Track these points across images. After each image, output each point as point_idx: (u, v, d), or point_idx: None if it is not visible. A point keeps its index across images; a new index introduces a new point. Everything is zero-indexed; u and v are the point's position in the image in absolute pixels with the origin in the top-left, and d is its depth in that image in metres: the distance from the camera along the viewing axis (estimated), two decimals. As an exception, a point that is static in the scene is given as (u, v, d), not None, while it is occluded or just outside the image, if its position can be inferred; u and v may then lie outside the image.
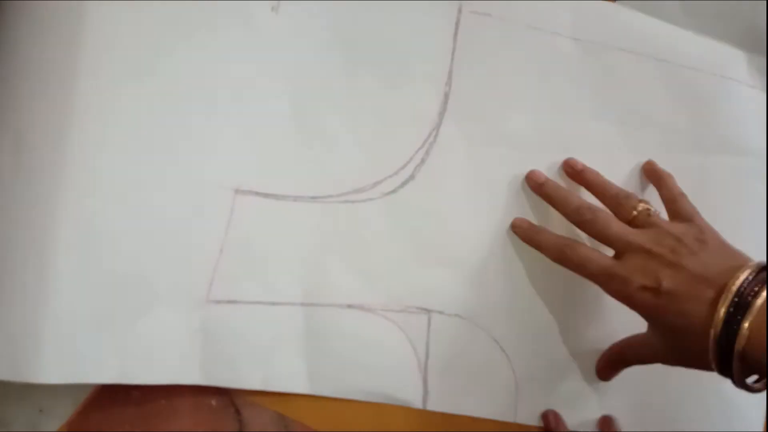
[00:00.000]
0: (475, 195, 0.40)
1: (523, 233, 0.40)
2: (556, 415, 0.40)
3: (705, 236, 0.35)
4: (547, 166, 0.42)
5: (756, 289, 0.30)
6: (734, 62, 0.45)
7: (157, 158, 0.36)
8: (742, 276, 0.30)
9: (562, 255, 0.38)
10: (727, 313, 0.30)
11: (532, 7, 0.42)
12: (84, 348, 0.33)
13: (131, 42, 0.36)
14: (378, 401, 0.38)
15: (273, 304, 0.37)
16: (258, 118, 0.38)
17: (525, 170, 0.41)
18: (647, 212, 0.37)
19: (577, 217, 0.38)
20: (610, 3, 0.43)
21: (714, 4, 0.44)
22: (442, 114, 0.40)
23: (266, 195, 0.38)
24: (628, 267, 0.34)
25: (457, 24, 0.41)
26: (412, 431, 0.39)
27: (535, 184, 0.41)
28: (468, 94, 0.41)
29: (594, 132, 0.43)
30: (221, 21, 0.37)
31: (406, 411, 0.39)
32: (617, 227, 0.36)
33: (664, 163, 0.43)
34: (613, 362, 0.40)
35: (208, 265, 0.36)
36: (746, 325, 0.29)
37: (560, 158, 0.42)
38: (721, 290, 0.31)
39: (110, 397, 0.35)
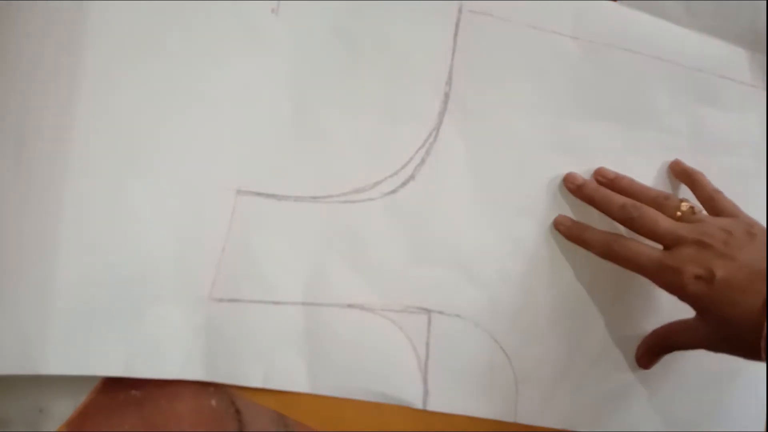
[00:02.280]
0: (475, 195, 0.40)
1: (567, 231, 0.40)
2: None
3: (754, 230, 0.35)
4: (546, 166, 0.42)
5: None
6: (735, 61, 0.45)
7: (159, 159, 0.36)
8: None
9: (609, 250, 0.38)
10: None
11: (533, 7, 0.42)
12: (89, 341, 0.34)
13: (132, 43, 0.36)
14: (378, 401, 0.38)
15: (274, 303, 0.37)
16: (259, 118, 0.38)
17: (525, 170, 0.41)
18: (691, 210, 0.37)
19: (624, 214, 0.38)
20: (611, 2, 0.43)
21: (715, 3, 0.44)
22: (442, 114, 0.40)
23: (267, 195, 0.38)
24: (681, 258, 0.35)
25: (457, 24, 0.41)
26: (412, 431, 0.39)
27: (574, 186, 0.41)
28: (468, 94, 0.41)
29: (594, 132, 0.43)
30: (221, 22, 0.37)
31: (406, 411, 0.39)
32: (666, 222, 0.37)
33: (664, 163, 0.43)
34: (653, 348, 0.41)
35: (210, 263, 0.37)
36: None
37: (560, 158, 0.42)
38: None
39: (110, 397, 0.35)
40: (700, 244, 0.34)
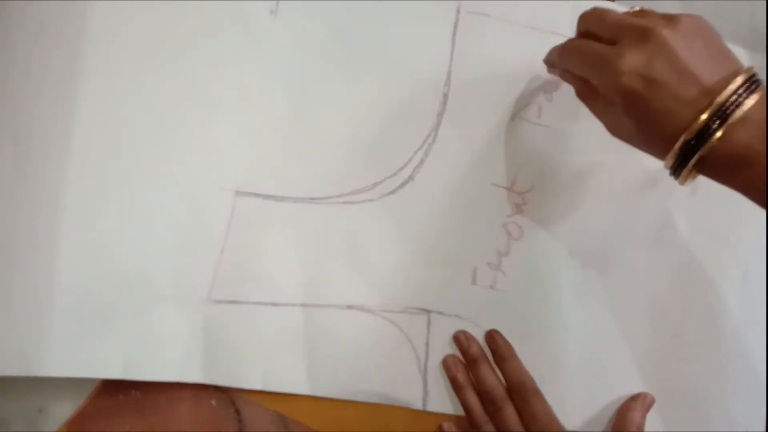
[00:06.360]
0: (473, 195, 0.40)
1: (549, 63, 0.37)
2: (466, 334, 0.40)
3: (703, 31, 0.32)
4: (545, 166, 0.41)
5: (740, 100, 0.28)
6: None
7: (158, 160, 0.36)
8: (732, 86, 0.29)
9: (563, 48, 0.35)
10: (706, 124, 0.29)
11: (531, 8, 0.42)
12: (88, 343, 0.34)
13: (132, 44, 0.36)
14: (378, 402, 0.38)
15: (273, 304, 0.38)
16: (258, 119, 0.38)
17: (524, 170, 0.41)
18: (642, 9, 0.34)
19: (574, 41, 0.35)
20: (610, 2, 0.43)
21: (714, 3, 0.44)
22: (440, 115, 0.41)
23: (266, 196, 0.38)
24: (621, 50, 0.31)
25: (455, 24, 0.41)
26: (412, 431, 0.39)
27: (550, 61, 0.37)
28: (466, 95, 0.41)
29: (593, 132, 0.42)
30: (221, 24, 0.38)
31: (406, 411, 0.39)
32: (614, 15, 0.33)
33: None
34: None
35: (209, 265, 0.37)
36: (718, 135, 0.28)
37: (560, 158, 0.42)
38: (710, 97, 0.29)
39: (110, 397, 0.36)
40: (644, 35, 0.30)
